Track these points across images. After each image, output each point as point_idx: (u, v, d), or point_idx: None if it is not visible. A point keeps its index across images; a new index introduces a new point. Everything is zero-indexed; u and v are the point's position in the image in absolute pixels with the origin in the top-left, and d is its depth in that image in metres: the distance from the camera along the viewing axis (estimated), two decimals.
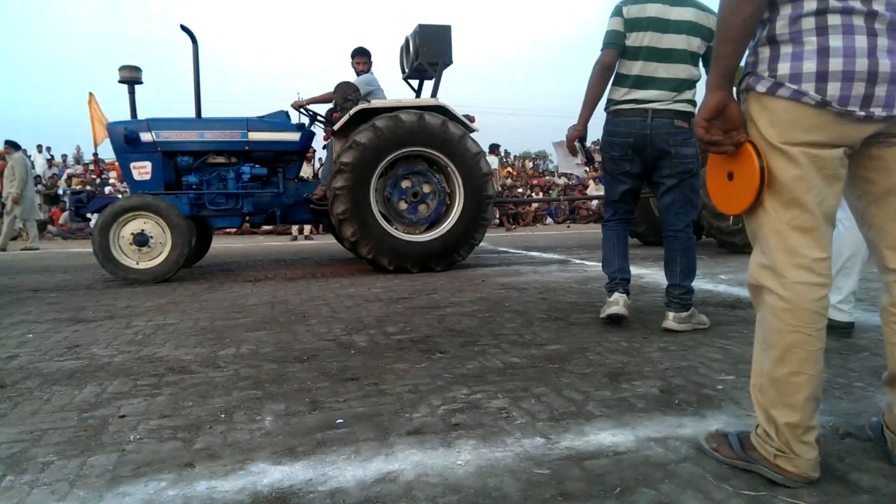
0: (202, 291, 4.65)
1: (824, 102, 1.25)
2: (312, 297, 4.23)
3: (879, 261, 1.41)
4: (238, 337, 3.01)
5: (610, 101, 2.96)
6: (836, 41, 1.24)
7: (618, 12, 2.86)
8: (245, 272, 6.04)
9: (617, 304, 3.00)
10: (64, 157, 17.31)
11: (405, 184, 5.69)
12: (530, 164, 22.59)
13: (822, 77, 1.25)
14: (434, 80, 6.15)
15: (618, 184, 3.04)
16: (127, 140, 5.60)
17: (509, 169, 20.74)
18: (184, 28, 5.79)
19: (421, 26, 5.97)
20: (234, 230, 13.61)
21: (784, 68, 1.29)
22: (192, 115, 5.98)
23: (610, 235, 3.16)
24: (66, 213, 13.37)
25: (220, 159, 5.94)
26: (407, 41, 6.39)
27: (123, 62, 6.44)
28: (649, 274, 5.13)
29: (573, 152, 3.15)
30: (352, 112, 5.61)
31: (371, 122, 5.43)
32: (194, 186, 5.83)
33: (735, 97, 1.38)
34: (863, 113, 1.25)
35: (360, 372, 2.35)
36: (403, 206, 5.70)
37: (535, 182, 19.22)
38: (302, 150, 6.22)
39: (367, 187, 5.41)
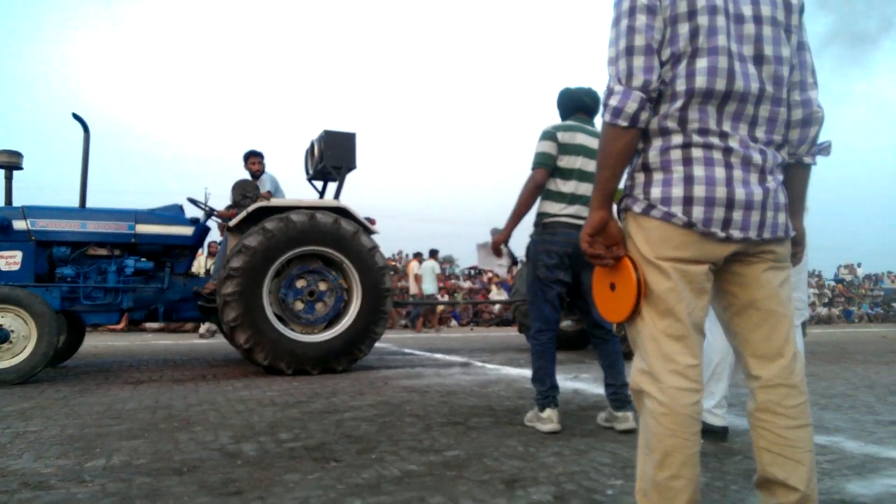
0: (74, 394, 4.24)
1: (690, 224, 1.41)
2: (200, 402, 3.96)
3: (745, 368, 1.55)
4: (110, 446, 2.74)
5: (544, 215, 3.16)
6: (699, 171, 1.42)
7: (551, 136, 3.11)
8: (126, 373, 5.57)
9: (552, 420, 3.05)
10: None
11: (300, 283, 5.60)
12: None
13: (688, 201, 1.41)
14: (338, 182, 6.28)
15: (549, 290, 3.15)
16: None
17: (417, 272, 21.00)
18: (76, 117, 5.63)
19: (327, 132, 6.15)
20: (118, 326, 12.69)
21: (656, 192, 1.45)
22: (77, 204, 5.69)
23: (543, 350, 3.18)
24: None
25: (102, 251, 5.65)
26: (312, 144, 6.54)
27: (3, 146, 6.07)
28: None
29: (499, 254, 3.28)
30: (249, 209, 5.58)
31: (260, 224, 5.38)
32: (69, 279, 5.44)
33: (616, 216, 1.53)
34: (723, 234, 1.42)
35: (246, 485, 2.19)
36: (300, 305, 5.59)
37: (441, 285, 19.50)
38: (194, 244, 6.04)
39: (259, 290, 5.26)
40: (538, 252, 3.16)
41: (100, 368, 5.92)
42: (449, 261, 28.75)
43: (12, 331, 4.82)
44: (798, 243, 1.65)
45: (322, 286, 5.66)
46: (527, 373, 5.55)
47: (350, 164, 6.20)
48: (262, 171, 6.44)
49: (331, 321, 5.68)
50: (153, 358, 7.07)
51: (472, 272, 23.44)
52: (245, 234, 5.40)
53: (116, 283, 5.57)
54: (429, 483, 2.21)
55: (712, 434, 2.83)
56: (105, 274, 5.59)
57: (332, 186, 6.67)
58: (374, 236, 5.89)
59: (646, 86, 1.41)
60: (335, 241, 5.56)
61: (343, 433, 3.01)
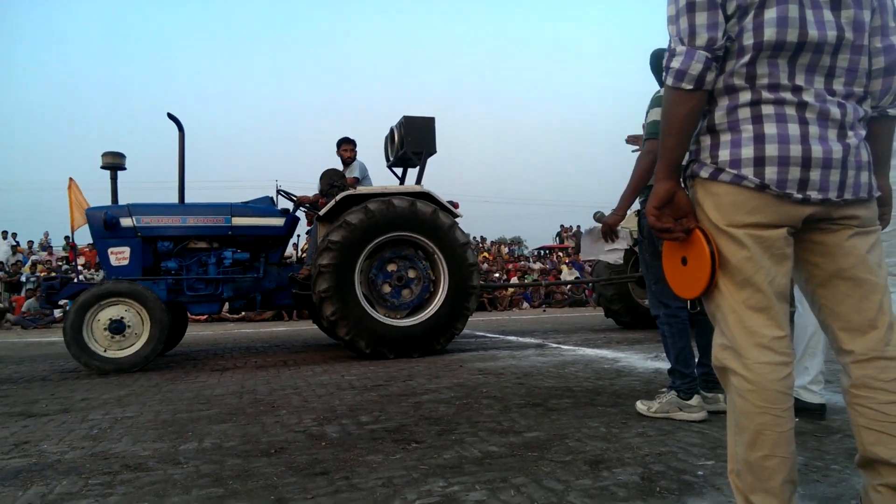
0: (165, 382, 4.47)
1: (763, 185, 1.30)
2: (283, 386, 4.09)
3: (834, 343, 1.42)
4: (201, 430, 2.86)
5: None
6: (770, 129, 1.30)
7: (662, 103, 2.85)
8: (212, 361, 5.85)
9: (702, 407, 2.81)
10: (30, 243, 17.01)
11: (391, 267, 5.70)
12: (506, 250, 22.89)
13: (759, 162, 1.30)
14: (419, 168, 6.33)
15: None
16: (106, 225, 5.53)
17: (485, 254, 20.99)
18: (171, 116, 5.88)
19: (406, 118, 6.20)
20: (202, 317, 13.36)
21: (724, 154, 1.35)
22: (176, 200, 5.99)
23: (683, 329, 2.89)
24: (28, 301, 12.99)
25: (202, 244, 5.91)
26: (392, 131, 6.60)
27: (105, 147, 6.47)
28: (625, 357, 5.11)
29: (612, 238, 2.98)
30: (338, 198, 5.70)
31: (363, 204, 5.52)
32: (173, 272, 5.75)
33: (682, 185, 1.43)
34: (800, 196, 1.30)
35: (331, 465, 2.23)
36: (387, 289, 5.68)
37: (510, 266, 19.42)
38: (286, 234, 6.22)
39: (352, 267, 5.40)
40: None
41: (187, 357, 6.23)
42: (517, 242, 28.60)
43: (129, 325, 5.16)
44: (885, 203, 1.49)
45: (411, 273, 5.74)
46: (604, 353, 5.43)
47: (430, 149, 6.22)
48: (353, 159, 6.54)
49: (414, 309, 5.75)
50: (236, 346, 7.39)
51: (542, 252, 23.23)
52: (347, 212, 5.52)
53: (217, 274, 5.83)
54: (510, 464, 2.18)
55: (809, 412, 2.66)
56: (206, 266, 5.87)
57: (412, 173, 6.73)
58: (458, 220, 5.94)
59: (710, 44, 1.30)
60: (431, 231, 5.64)
61: (422, 415, 3.03)
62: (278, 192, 6.39)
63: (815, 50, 1.30)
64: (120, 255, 5.60)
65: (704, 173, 1.38)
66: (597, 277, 8.22)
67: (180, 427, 2.93)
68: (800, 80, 1.31)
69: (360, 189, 5.85)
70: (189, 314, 6.24)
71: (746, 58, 1.32)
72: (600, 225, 2.98)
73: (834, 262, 1.38)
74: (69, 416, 3.29)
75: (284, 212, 6.23)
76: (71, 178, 6.00)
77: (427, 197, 5.84)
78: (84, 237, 5.96)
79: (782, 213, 1.32)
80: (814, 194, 1.30)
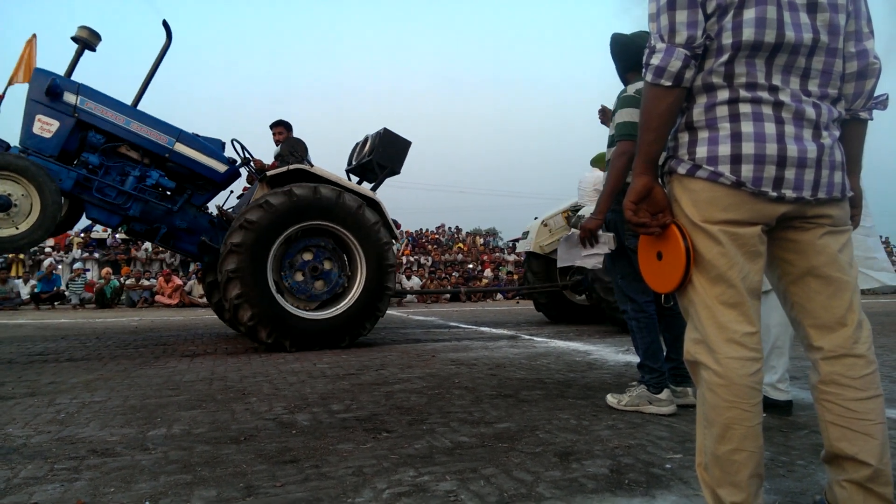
0: (135, 367, 4.40)
1: (739, 183, 1.33)
2: (254, 374, 4.05)
3: (804, 339, 1.46)
4: (170, 416, 2.83)
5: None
6: (747, 127, 1.33)
7: (635, 102, 2.73)
8: (182, 346, 5.77)
9: (671, 401, 2.84)
10: None
11: (307, 256, 5.54)
12: (481, 241, 22.95)
13: (736, 160, 1.33)
14: (377, 180, 6.23)
15: None
16: (49, 91, 5.08)
17: (461, 245, 21.01)
18: (165, 24, 5.67)
19: (386, 130, 6.14)
20: (171, 301, 13.18)
21: (702, 151, 1.37)
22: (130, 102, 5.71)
23: (651, 323, 2.91)
24: None
25: (134, 154, 5.55)
26: (366, 138, 6.48)
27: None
28: (596, 350, 5.18)
29: (593, 242, 2.86)
30: (291, 167, 5.55)
31: (288, 186, 5.35)
32: (90, 167, 5.31)
33: (659, 181, 1.45)
34: (775, 194, 1.33)
35: (301, 453, 2.23)
36: (300, 277, 5.52)
37: (485, 258, 19.49)
38: (220, 182, 5.95)
39: (266, 250, 5.20)
40: (625, 222, 2.88)
41: (157, 342, 6.14)
42: (492, 233, 28.68)
43: (16, 205, 4.71)
44: (856, 205, 1.54)
45: (327, 265, 5.59)
46: (576, 345, 5.49)
47: (396, 169, 6.18)
48: (283, 142, 6.33)
49: (324, 302, 5.60)
50: (207, 332, 7.30)
51: (515, 244, 23.33)
52: (269, 193, 5.35)
53: (132, 189, 5.44)
54: (481, 454, 2.20)
55: (777, 409, 2.73)
56: (126, 176, 5.47)
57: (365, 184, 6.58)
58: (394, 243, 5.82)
59: (690, 42, 1.32)
60: (337, 215, 5.44)
61: (393, 405, 3.03)
62: (233, 142, 6.05)
63: (792, 51, 1.33)
64: (46, 126, 5.13)
65: (682, 169, 1.40)
66: (529, 284, 8.31)
67: (149, 413, 2.89)
68: (776, 80, 1.34)
69: (317, 169, 5.65)
70: (85, 215, 5.74)
71: (725, 56, 1.34)
72: (578, 231, 2.92)
73: (806, 259, 1.41)
74: (36, 399, 3.23)
75: (230, 161, 5.93)
76: (34, 35, 5.62)
77: (376, 207, 5.73)
78: (15, 106, 5.42)
79: (757, 211, 1.35)
80: (788, 193, 1.33)
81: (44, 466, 2.08)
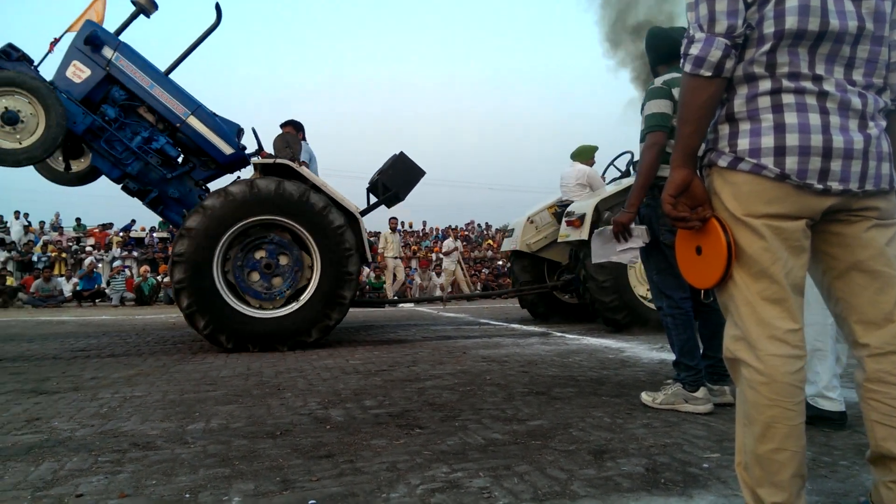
0: (173, 363, 4.51)
1: (783, 175, 1.29)
2: (288, 369, 4.11)
3: (849, 336, 1.41)
4: (208, 411, 2.89)
5: (662, 178, 2.71)
6: (791, 118, 1.29)
7: (666, 94, 2.71)
8: None
9: (708, 399, 2.79)
10: (42, 224, 17.12)
11: (259, 254, 5.28)
12: None
13: (779, 152, 1.29)
14: (378, 201, 6.13)
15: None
16: (88, 40, 5.34)
17: (490, 241, 20.96)
18: (217, 6, 5.79)
19: (402, 154, 6.08)
20: None
21: (743, 144, 1.34)
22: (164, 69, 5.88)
23: (687, 320, 2.85)
24: (37, 281, 13.10)
25: (150, 117, 5.71)
26: (388, 161, 6.35)
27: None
28: (629, 347, 5.11)
29: (626, 236, 2.82)
30: (277, 160, 5.38)
31: (224, 187, 5.18)
32: (105, 118, 5.51)
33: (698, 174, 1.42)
34: (820, 186, 1.29)
35: (336, 448, 2.25)
36: (255, 277, 5.27)
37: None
38: (223, 164, 5.94)
39: (211, 255, 5.00)
40: (660, 217, 2.81)
41: (194, 338, 6.27)
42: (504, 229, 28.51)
43: (19, 111, 4.95)
44: None
45: (283, 260, 5.33)
46: (608, 343, 5.43)
47: (400, 194, 6.10)
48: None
49: (290, 298, 5.32)
50: None
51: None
52: (232, 182, 5.32)
53: (137, 147, 5.58)
54: (514, 451, 2.19)
55: (827, 422, 2.45)
56: (136, 134, 5.63)
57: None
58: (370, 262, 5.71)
59: (730, 31, 1.29)
60: (300, 213, 5.18)
61: (425, 401, 3.04)
62: (254, 130, 6.15)
63: (836, 40, 1.29)
64: (78, 72, 5.40)
65: (723, 162, 1.37)
66: (518, 284, 8.14)
67: (187, 407, 2.96)
68: (820, 70, 1.30)
69: (303, 170, 5.45)
70: (91, 160, 5.91)
71: (767, 46, 1.31)
72: (611, 226, 2.90)
73: (852, 253, 1.37)
74: (79, 394, 3.33)
75: (241, 148, 5.95)
76: None
77: (356, 223, 5.46)
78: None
79: (802, 204, 1.31)
80: (834, 185, 1.29)
81: (88, 459, 2.15)
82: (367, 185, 6.49)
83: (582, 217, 6.34)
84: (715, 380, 2.94)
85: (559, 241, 7.05)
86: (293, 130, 6.36)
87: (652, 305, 6.23)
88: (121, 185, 5.99)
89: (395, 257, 13.48)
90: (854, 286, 1.38)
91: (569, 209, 6.75)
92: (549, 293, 7.91)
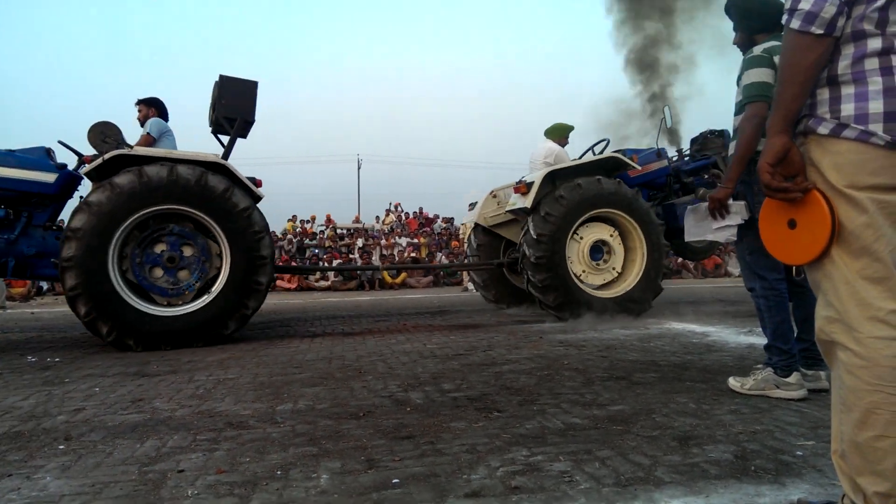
0: (262, 347, 4.73)
1: (894, 143, 1.19)
2: (369, 353, 4.23)
3: None
4: (295, 392, 3.02)
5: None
6: None
7: (768, 62, 2.57)
8: (303, 327, 6.13)
9: (801, 385, 2.66)
10: None
11: (159, 248, 4.85)
12: None
13: (890, 117, 1.20)
14: (230, 137, 5.38)
15: None
16: None
17: None
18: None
19: (223, 77, 5.30)
20: (291, 285, 13.96)
21: (848, 109, 1.25)
22: None
23: (782, 301, 2.72)
24: None
25: None
26: (212, 93, 5.59)
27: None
28: (715, 332, 4.92)
29: (724, 213, 2.71)
30: (106, 156, 4.70)
31: (106, 181, 4.61)
32: None
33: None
34: None
35: (416, 430, 2.30)
36: (159, 273, 4.86)
37: None
38: (56, 193, 5.19)
39: (104, 255, 4.53)
40: (756, 193, 2.69)
41: (281, 323, 6.56)
42: None
43: None
44: None
45: (188, 252, 4.91)
46: (692, 327, 5.25)
47: (247, 117, 5.35)
48: (147, 118, 5.57)
49: (195, 293, 4.95)
50: (324, 314, 7.70)
51: None
52: (91, 190, 4.77)
53: None
54: (594, 436, 2.17)
55: None
56: None
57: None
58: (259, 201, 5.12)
59: None
60: (200, 200, 4.75)
61: (503, 385, 3.05)
62: (60, 143, 5.43)
63: None
64: None
65: (823, 129, 1.28)
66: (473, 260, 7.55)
67: (276, 389, 3.10)
68: None
69: (138, 149, 4.85)
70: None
71: (880, 1, 1.21)
72: (705, 203, 2.78)
73: None
74: (177, 376, 3.56)
75: (61, 167, 5.21)
76: None
77: (222, 170, 4.92)
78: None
79: None
80: None
81: (187, 437, 2.30)
82: (211, 128, 5.80)
83: (530, 185, 5.91)
84: (809, 364, 2.78)
85: (506, 209, 6.65)
86: (144, 107, 5.65)
87: (586, 288, 5.92)
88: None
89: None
90: None
91: (521, 178, 6.36)
92: (501, 274, 7.33)
